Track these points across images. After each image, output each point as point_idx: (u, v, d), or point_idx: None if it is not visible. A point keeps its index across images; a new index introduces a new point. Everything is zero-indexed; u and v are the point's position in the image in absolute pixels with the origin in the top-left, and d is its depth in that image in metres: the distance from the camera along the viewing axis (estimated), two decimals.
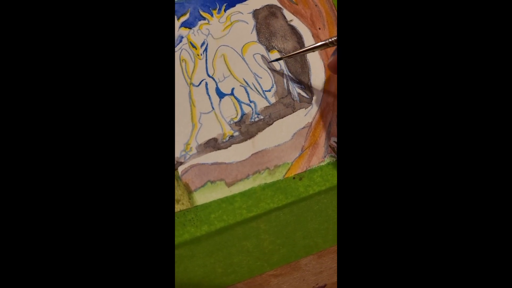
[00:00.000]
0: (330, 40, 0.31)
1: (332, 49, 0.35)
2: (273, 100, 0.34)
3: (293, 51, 0.34)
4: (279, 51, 0.35)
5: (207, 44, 0.35)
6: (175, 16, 0.35)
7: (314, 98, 0.34)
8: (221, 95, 0.34)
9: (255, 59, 0.35)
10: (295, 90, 0.35)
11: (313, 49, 0.32)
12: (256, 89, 0.34)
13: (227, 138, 0.33)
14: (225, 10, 0.36)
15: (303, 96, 0.34)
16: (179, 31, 0.35)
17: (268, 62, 0.34)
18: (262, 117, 0.33)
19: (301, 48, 0.34)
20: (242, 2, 0.36)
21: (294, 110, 0.34)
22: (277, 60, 0.34)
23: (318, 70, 0.35)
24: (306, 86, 0.35)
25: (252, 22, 0.36)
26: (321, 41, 0.31)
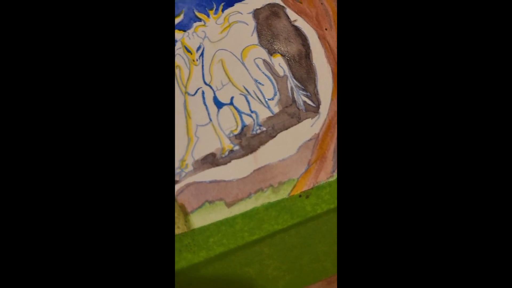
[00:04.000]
0: None
1: None
2: (276, 109, 0.31)
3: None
4: (282, 55, 0.32)
5: (204, 48, 0.32)
6: None
7: (321, 106, 0.32)
8: (219, 105, 0.31)
9: (256, 64, 0.32)
10: (301, 98, 0.32)
11: None
12: (258, 98, 0.31)
13: (227, 152, 0.30)
14: (222, 10, 0.33)
15: (309, 104, 0.32)
16: None
17: None
18: (264, 129, 0.31)
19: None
20: (241, 1, 0.33)
21: (299, 120, 0.31)
22: None
23: (325, 75, 0.32)
24: (312, 94, 0.32)
25: (252, 23, 0.33)
26: None
